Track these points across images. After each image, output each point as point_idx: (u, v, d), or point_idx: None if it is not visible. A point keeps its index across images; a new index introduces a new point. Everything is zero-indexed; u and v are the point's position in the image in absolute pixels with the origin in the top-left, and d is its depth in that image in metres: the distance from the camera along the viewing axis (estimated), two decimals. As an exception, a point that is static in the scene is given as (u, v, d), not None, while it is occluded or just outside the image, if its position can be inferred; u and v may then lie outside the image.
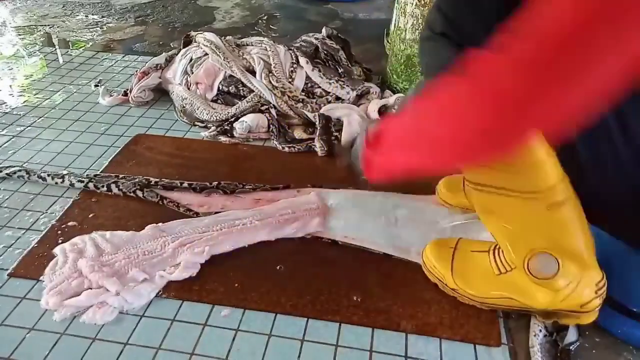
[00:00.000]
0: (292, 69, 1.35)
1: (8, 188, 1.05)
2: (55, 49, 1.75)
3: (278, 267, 0.86)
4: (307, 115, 1.25)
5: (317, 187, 1.05)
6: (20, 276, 0.84)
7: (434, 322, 0.77)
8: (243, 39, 1.54)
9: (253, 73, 1.34)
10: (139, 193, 1.01)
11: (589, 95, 0.43)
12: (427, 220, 0.94)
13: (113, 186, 1.02)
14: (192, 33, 1.54)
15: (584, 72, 0.41)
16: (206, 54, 1.41)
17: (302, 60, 1.36)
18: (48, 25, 1.96)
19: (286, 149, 1.19)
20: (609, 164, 0.63)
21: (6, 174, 1.07)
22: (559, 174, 0.66)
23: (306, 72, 1.34)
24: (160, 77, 1.41)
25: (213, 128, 1.25)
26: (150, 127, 1.29)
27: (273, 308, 0.79)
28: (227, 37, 1.50)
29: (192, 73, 1.38)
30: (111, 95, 1.40)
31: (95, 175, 1.06)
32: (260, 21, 2.05)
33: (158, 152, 1.17)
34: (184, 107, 1.32)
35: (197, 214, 0.97)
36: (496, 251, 0.77)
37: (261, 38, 1.51)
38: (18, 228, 0.94)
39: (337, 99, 1.32)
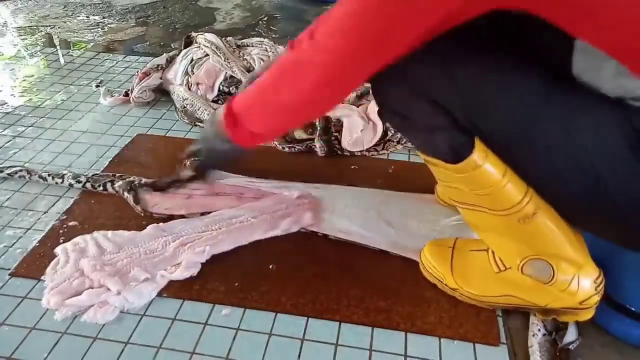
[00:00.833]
0: (293, 69, 1.35)
1: (9, 188, 1.05)
2: (57, 50, 1.76)
3: (270, 267, 0.86)
4: (307, 116, 1.25)
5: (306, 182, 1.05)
6: (22, 276, 0.84)
7: (433, 321, 0.77)
8: (243, 40, 1.55)
9: (253, 74, 1.34)
10: (126, 194, 0.99)
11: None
12: (426, 219, 0.95)
13: (109, 185, 1.02)
14: (193, 34, 1.54)
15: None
16: (207, 55, 1.42)
17: (303, 61, 1.36)
18: (49, 25, 1.97)
19: (286, 149, 1.19)
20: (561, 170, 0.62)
21: (7, 174, 1.07)
22: (520, 190, 0.66)
23: (306, 73, 1.34)
24: (161, 78, 1.41)
25: (213, 128, 1.25)
26: (151, 127, 1.29)
27: (273, 307, 0.79)
28: (228, 38, 1.51)
29: (193, 74, 1.38)
30: (112, 96, 1.40)
31: (93, 175, 1.06)
32: (260, 22, 2.06)
33: (159, 153, 1.18)
34: (184, 107, 1.32)
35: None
36: (495, 250, 0.77)
37: (261, 39, 1.52)
38: (19, 228, 0.95)
39: (337, 99, 1.32)
